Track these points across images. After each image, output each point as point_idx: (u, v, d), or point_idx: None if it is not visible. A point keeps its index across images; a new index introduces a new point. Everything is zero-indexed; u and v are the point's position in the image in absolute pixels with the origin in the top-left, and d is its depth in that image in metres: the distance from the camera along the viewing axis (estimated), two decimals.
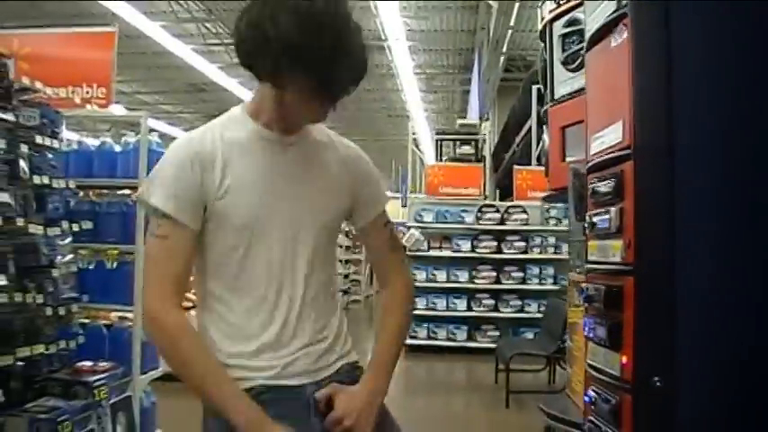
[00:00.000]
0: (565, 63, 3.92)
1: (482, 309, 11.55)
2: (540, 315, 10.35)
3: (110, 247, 5.84)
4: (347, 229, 12.95)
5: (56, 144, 5.05)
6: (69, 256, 5.19)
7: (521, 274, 11.56)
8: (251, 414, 1.86)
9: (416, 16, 15.89)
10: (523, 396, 8.03)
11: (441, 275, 11.56)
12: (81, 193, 5.76)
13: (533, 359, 8.82)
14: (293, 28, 1.76)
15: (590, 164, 2.32)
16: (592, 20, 2.33)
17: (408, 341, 11.06)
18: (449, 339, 11.47)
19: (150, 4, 14.81)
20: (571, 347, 4.05)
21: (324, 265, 2.07)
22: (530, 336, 10.80)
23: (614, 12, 2.11)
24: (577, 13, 3.69)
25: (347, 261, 18.45)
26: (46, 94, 5.19)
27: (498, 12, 12.37)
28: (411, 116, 20.65)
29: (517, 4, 11.74)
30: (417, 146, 20.05)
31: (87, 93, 6.15)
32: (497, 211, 11.83)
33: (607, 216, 2.10)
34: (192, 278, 2.02)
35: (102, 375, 5.06)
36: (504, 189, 15.59)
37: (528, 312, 11.35)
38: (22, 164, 4.56)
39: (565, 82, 3.93)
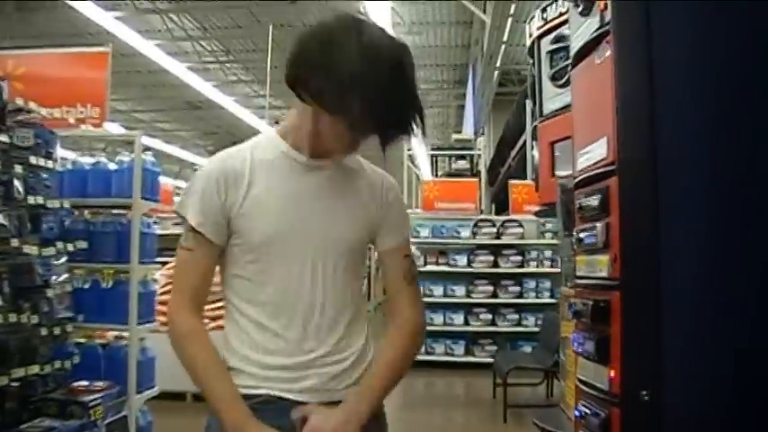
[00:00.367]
0: (553, 79, 3.95)
1: (479, 323, 11.55)
2: (537, 329, 10.35)
3: (105, 267, 5.85)
4: None
5: (50, 164, 5.08)
6: (64, 276, 5.20)
7: (517, 288, 11.56)
8: (238, 415, 1.90)
9: (410, 32, 15.94)
10: (522, 410, 8.03)
11: (437, 290, 11.55)
12: (76, 213, 5.77)
13: (531, 373, 8.82)
14: (359, 60, 1.78)
15: (577, 179, 2.33)
16: (576, 37, 2.35)
17: None
18: (447, 354, 11.46)
19: (145, 22, 14.87)
20: (564, 361, 4.06)
21: (345, 287, 2.06)
22: (527, 349, 10.80)
23: (597, 29, 2.13)
24: (565, 30, 3.72)
25: None
26: (40, 114, 5.21)
27: (492, 27, 12.41)
28: None
29: (510, 20, 11.77)
30: (413, 161, 20.09)
31: (81, 112, 6.17)
32: (493, 225, 11.84)
33: (593, 231, 2.11)
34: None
35: (98, 395, 5.07)
36: (500, 203, 15.61)
37: (525, 326, 11.34)
38: (17, 184, 4.59)
39: (553, 98, 3.96)
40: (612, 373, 2.02)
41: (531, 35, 4.30)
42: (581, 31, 2.28)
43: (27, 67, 6.15)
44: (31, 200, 4.71)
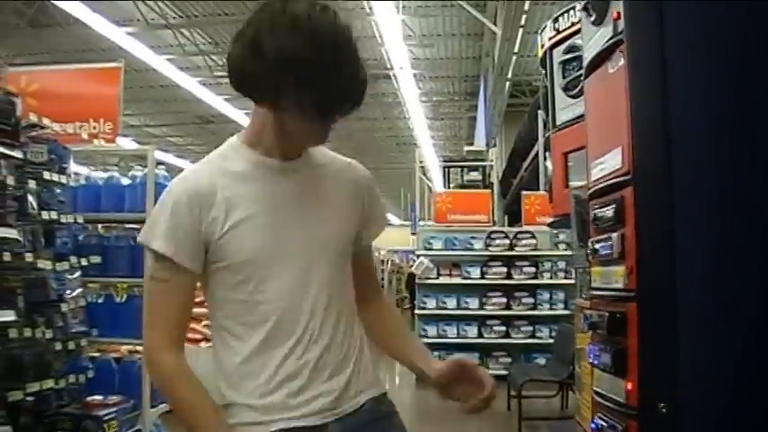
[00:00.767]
0: (565, 89, 3.93)
1: (493, 335, 11.49)
2: (551, 340, 10.29)
3: (118, 281, 5.86)
4: None
5: (64, 179, 5.09)
6: (78, 291, 5.21)
7: (531, 300, 11.50)
8: None
9: (421, 44, 15.97)
10: (536, 423, 7.99)
11: (451, 303, 11.52)
12: (89, 228, 5.79)
13: (546, 385, 8.77)
14: (290, 41, 1.70)
15: (591, 190, 2.32)
16: (589, 47, 2.34)
17: None
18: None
19: (157, 37, 14.94)
20: (579, 373, 4.03)
21: (340, 292, 1.99)
22: (542, 361, 10.73)
23: (610, 38, 2.12)
24: (577, 40, 3.71)
25: None
26: (53, 130, 5.24)
27: (502, 38, 12.42)
28: (418, 144, 20.70)
29: (521, 31, 11.78)
30: (425, 173, 20.09)
31: (94, 128, 6.19)
32: (506, 236, 11.80)
33: (609, 242, 2.10)
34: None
35: (113, 409, 5.07)
36: (513, 215, 15.57)
37: (539, 338, 11.28)
38: (31, 200, 4.61)
39: (566, 108, 3.94)
40: (629, 386, 2.01)
41: (542, 46, 4.29)
42: (594, 41, 2.28)
43: (40, 84, 6.18)
44: (44, 215, 4.72)
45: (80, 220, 5.28)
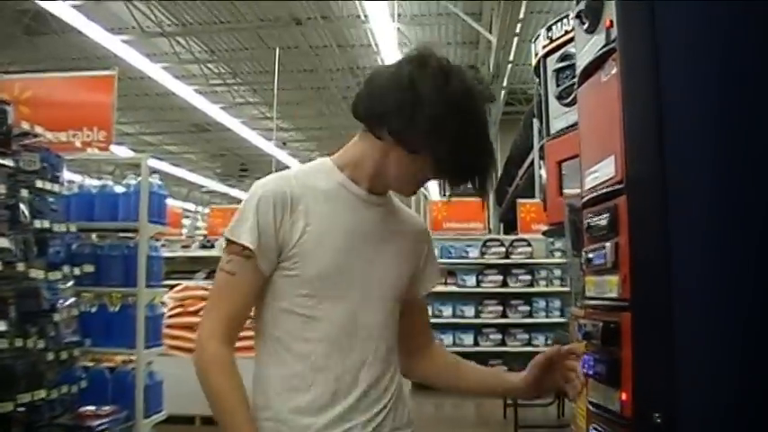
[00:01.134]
0: (559, 98, 3.92)
1: (489, 343, 11.50)
2: (547, 348, 10.27)
3: (112, 290, 5.84)
4: None
5: (56, 188, 5.09)
6: (71, 300, 5.20)
7: (527, 308, 11.52)
8: None
9: None
10: (532, 431, 7.96)
11: (446, 311, 11.52)
12: (83, 236, 5.77)
13: None
14: (451, 99, 1.80)
15: (585, 198, 2.30)
16: (582, 55, 2.32)
17: None
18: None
19: (153, 45, 14.93)
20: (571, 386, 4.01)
21: (390, 332, 2.03)
22: None
23: (604, 46, 2.11)
24: (570, 48, 3.70)
25: None
26: (46, 138, 5.23)
27: (498, 47, 12.44)
28: None
29: (516, 39, 11.80)
30: None
31: (88, 136, 6.19)
32: (502, 245, 11.81)
33: (602, 251, 2.08)
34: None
35: (106, 420, 5.06)
36: (509, 223, 15.58)
37: (535, 346, 11.28)
38: (23, 208, 4.59)
39: (560, 116, 3.93)
40: (624, 396, 1.98)
41: (536, 54, 4.29)
42: (587, 49, 2.26)
43: (33, 92, 6.17)
44: (37, 224, 4.71)
45: (73, 229, 5.27)
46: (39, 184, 4.83)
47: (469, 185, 1.96)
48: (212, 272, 11.82)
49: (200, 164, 29.04)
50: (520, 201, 12.70)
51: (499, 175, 16.95)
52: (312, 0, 13.00)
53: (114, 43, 12.28)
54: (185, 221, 25.07)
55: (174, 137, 24.95)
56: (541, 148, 4.23)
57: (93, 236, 5.97)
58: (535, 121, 9.39)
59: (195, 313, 7.88)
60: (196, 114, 18.66)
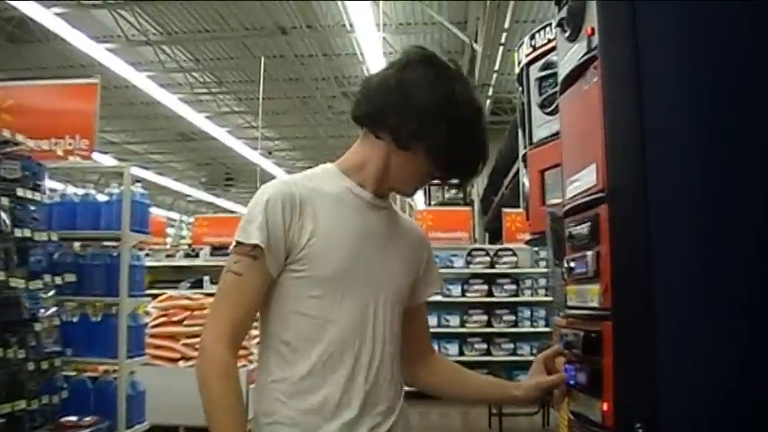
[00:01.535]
0: (542, 106, 3.92)
1: (474, 353, 11.49)
2: (532, 358, 10.22)
3: (94, 300, 5.80)
4: None
5: (38, 196, 5.05)
6: (52, 310, 5.16)
7: (512, 318, 11.52)
8: None
9: None
10: None
11: (432, 320, 11.35)
12: (65, 245, 5.73)
13: None
14: (445, 95, 1.87)
15: (566, 207, 2.30)
16: (564, 63, 2.32)
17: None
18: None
19: (137, 54, 14.90)
20: (556, 393, 4.00)
21: (396, 335, 2.04)
22: (523, 379, 10.69)
23: (585, 54, 2.10)
24: (553, 57, 3.70)
25: None
26: (28, 146, 5.19)
27: (483, 56, 12.45)
28: None
29: (501, 48, 11.82)
30: None
31: (70, 144, 6.15)
32: (487, 254, 11.82)
33: (584, 260, 2.07)
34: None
35: (87, 430, 5.03)
36: (494, 232, 15.60)
37: (521, 355, 11.28)
38: (4, 217, 4.56)
39: (543, 125, 3.93)
40: (605, 406, 1.97)
41: (519, 62, 4.29)
42: (568, 57, 2.25)
43: (15, 99, 6.14)
44: (18, 233, 4.67)
45: (54, 238, 5.23)
46: (20, 192, 4.79)
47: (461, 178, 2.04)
48: (197, 281, 11.89)
49: (185, 173, 28.98)
50: (505, 210, 12.73)
51: (485, 184, 16.99)
52: (298, 1, 12.96)
53: (99, 52, 12.23)
54: (170, 231, 24.99)
55: (159, 146, 24.89)
56: (524, 157, 4.21)
57: (76, 245, 5.92)
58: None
59: (179, 323, 7.84)
60: (181, 123, 18.62)
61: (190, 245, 15.79)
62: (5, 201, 4.59)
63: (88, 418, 5.20)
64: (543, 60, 3.98)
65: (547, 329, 10.72)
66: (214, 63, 16.45)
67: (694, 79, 1.95)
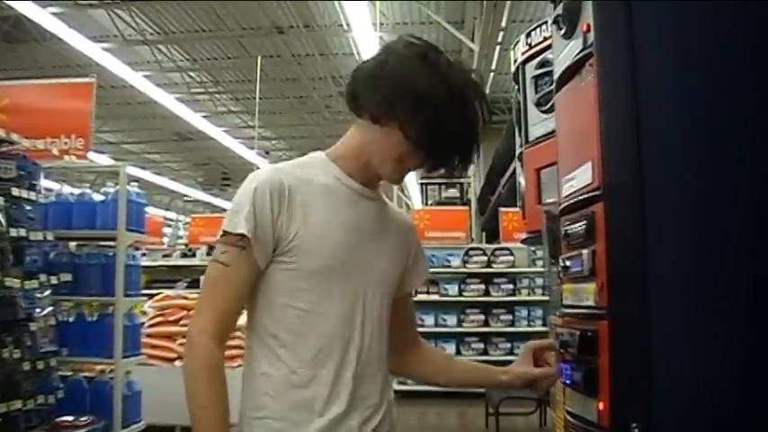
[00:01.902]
0: (538, 104, 3.90)
1: (471, 352, 11.48)
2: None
3: (90, 299, 5.79)
4: None
5: (33, 196, 5.04)
6: (48, 309, 5.14)
7: (509, 317, 11.51)
8: None
9: None
10: None
11: (429, 320, 11.50)
12: (60, 245, 5.72)
13: (524, 402, 8.74)
14: (419, 76, 1.82)
15: (562, 206, 2.29)
16: (559, 61, 2.31)
17: (398, 387, 10.97)
18: (441, 387, 11.32)
19: (134, 54, 14.87)
20: (554, 391, 3.99)
21: (385, 327, 2.03)
22: None
23: (581, 51, 2.09)
24: (549, 55, 3.68)
25: None
26: (23, 145, 5.18)
27: (480, 55, 12.45)
28: None
29: (498, 48, 11.82)
30: (403, 190, 20.09)
31: (66, 144, 6.15)
32: (484, 253, 11.81)
33: (579, 259, 2.06)
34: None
35: (83, 430, 5.02)
36: (491, 231, 15.58)
37: (517, 355, 11.18)
38: None
39: (539, 123, 3.91)
40: (601, 406, 1.96)
41: (515, 61, 4.27)
42: (564, 55, 2.24)
43: (11, 99, 6.13)
44: (13, 232, 4.66)
45: (50, 238, 5.22)
46: (15, 192, 4.78)
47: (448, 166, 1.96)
48: (194, 281, 11.86)
49: (182, 173, 28.95)
50: (502, 209, 12.70)
51: (482, 183, 16.98)
52: (295, 1, 12.95)
53: (95, 51, 12.22)
54: (167, 230, 24.97)
55: (156, 146, 24.86)
56: (520, 156, 4.20)
57: (72, 244, 5.92)
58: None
59: (176, 322, 7.84)
60: (178, 123, 18.61)
61: (186, 245, 15.80)
62: (1, 200, 4.58)
63: (84, 418, 5.19)
64: (539, 58, 3.96)
65: (544, 329, 10.71)
66: (211, 63, 16.43)
67: (690, 78, 1.94)
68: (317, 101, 18.52)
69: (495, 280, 11.61)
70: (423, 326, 11.29)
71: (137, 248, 6.59)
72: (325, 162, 2.00)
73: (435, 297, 11.59)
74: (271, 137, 22.99)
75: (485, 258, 11.71)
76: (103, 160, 15.10)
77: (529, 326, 11.39)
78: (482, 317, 11.52)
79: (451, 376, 2.37)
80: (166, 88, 16.05)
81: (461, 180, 15.36)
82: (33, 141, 5.77)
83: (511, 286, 11.56)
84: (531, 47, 4.08)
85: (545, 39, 3.89)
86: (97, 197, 5.94)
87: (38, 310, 5.00)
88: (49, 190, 6.22)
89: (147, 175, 22.51)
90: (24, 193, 4.89)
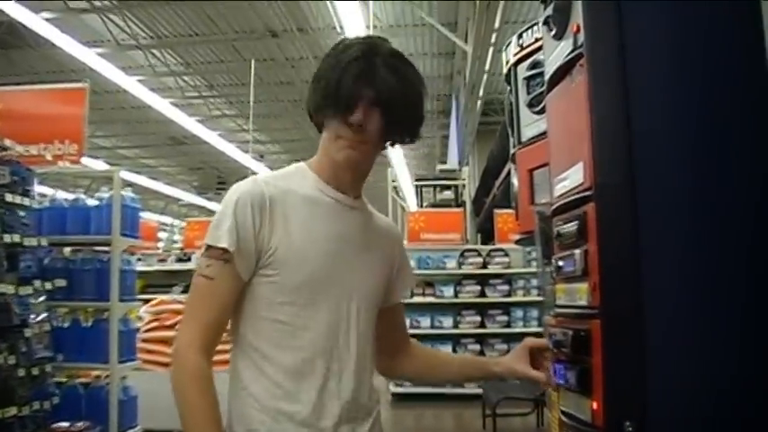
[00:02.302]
0: (530, 105, 3.90)
1: (468, 354, 11.45)
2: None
3: (85, 305, 5.78)
4: None
5: (27, 202, 5.03)
6: (43, 315, 5.13)
7: (505, 318, 11.50)
8: None
9: None
10: None
11: (425, 322, 11.48)
12: (55, 251, 5.72)
13: (521, 402, 8.74)
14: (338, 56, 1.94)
15: (554, 206, 2.29)
16: (550, 61, 2.31)
17: (395, 389, 10.99)
18: (435, 386, 11.35)
19: (128, 58, 14.87)
20: (549, 392, 4.00)
21: (368, 341, 2.01)
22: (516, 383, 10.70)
23: (571, 52, 2.09)
24: (540, 56, 3.69)
25: None
26: (16, 151, 5.17)
27: (473, 57, 12.44)
28: (391, 163, 20.74)
29: (491, 49, 11.81)
30: (398, 193, 20.08)
31: (59, 149, 6.14)
32: (479, 255, 11.80)
33: (572, 259, 2.06)
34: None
35: None
36: (486, 233, 15.59)
37: None
38: None
39: (531, 124, 3.91)
40: (595, 405, 1.97)
41: (507, 62, 4.27)
42: (555, 55, 2.25)
43: (4, 104, 6.12)
44: (7, 238, 4.66)
45: (44, 243, 5.22)
46: (9, 197, 4.78)
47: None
48: (189, 285, 11.80)
49: (177, 177, 28.93)
50: (497, 210, 12.71)
51: (476, 185, 16.99)
52: (288, 1, 12.95)
53: (89, 56, 12.19)
54: (162, 235, 24.93)
55: (150, 150, 24.85)
56: (513, 157, 4.20)
57: (66, 250, 5.91)
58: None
59: (171, 327, 7.81)
60: (172, 127, 18.59)
61: (182, 249, 15.75)
62: None
63: (80, 424, 5.18)
64: (531, 59, 3.96)
65: (539, 329, 10.72)
66: (205, 67, 16.43)
67: (680, 78, 1.95)
68: None
69: (491, 281, 11.60)
70: (419, 328, 11.29)
71: (132, 253, 6.57)
72: (307, 173, 1.99)
73: (431, 299, 11.56)
74: (265, 140, 23.00)
75: (480, 260, 11.70)
76: (98, 165, 15.09)
77: (525, 327, 11.36)
78: (478, 318, 11.50)
79: (445, 371, 2.36)
80: (160, 92, 16.02)
81: (456, 182, 15.37)
82: (27, 147, 5.77)
83: (506, 287, 11.54)
84: (522, 48, 4.08)
85: (536, 40, 3.89)
86: (91, 202, 5.93)
87: (33, 316, 4.99)
88: (44, 195, 6.21)
89: (141, 180, 22.47)
90: (18, 199, 4.89)
